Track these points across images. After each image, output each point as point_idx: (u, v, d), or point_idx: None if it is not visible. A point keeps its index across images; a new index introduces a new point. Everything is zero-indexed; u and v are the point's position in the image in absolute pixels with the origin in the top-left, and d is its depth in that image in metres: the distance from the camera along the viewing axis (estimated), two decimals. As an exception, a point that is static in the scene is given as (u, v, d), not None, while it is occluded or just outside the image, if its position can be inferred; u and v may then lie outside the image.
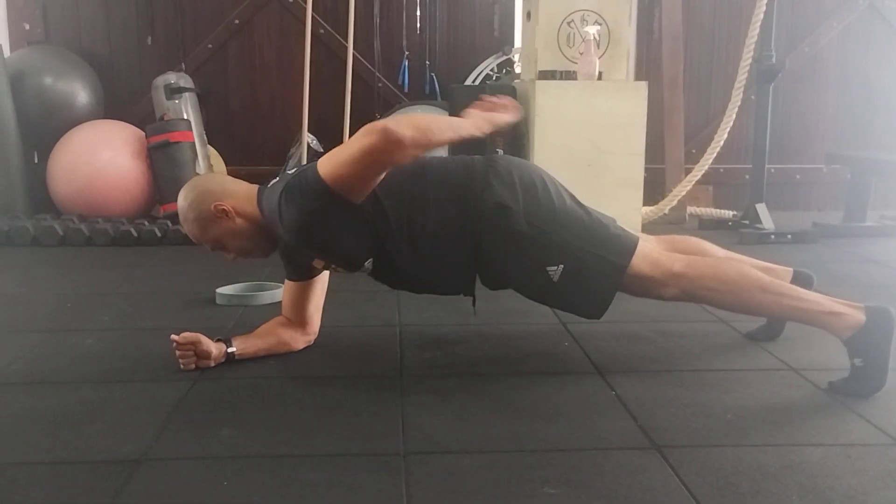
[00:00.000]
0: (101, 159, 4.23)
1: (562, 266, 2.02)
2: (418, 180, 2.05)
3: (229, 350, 2.17)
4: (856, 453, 1.63)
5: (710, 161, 4.49)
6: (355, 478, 1.53)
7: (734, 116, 4.41)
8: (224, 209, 2.04)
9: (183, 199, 2.08)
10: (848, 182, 4.42)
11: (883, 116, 5.23)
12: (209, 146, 4.64)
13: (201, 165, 4.44)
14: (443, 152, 4.37)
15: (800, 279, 2.26)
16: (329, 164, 1.92)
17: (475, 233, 2.04)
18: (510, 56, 4.97)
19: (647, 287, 2.06)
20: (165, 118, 4.43)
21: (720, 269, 2.06)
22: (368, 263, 2.08)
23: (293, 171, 2.08)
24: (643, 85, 3.96)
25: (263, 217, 2.05)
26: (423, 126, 1.88)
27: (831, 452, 1.63)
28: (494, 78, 4.92)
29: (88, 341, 2.43)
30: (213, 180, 2.23)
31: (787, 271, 2.29)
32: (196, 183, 2.15)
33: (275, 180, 2.09)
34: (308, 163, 4.33)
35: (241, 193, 2.09)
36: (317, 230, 1.97)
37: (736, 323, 2.49)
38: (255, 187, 2.12)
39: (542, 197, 2.07)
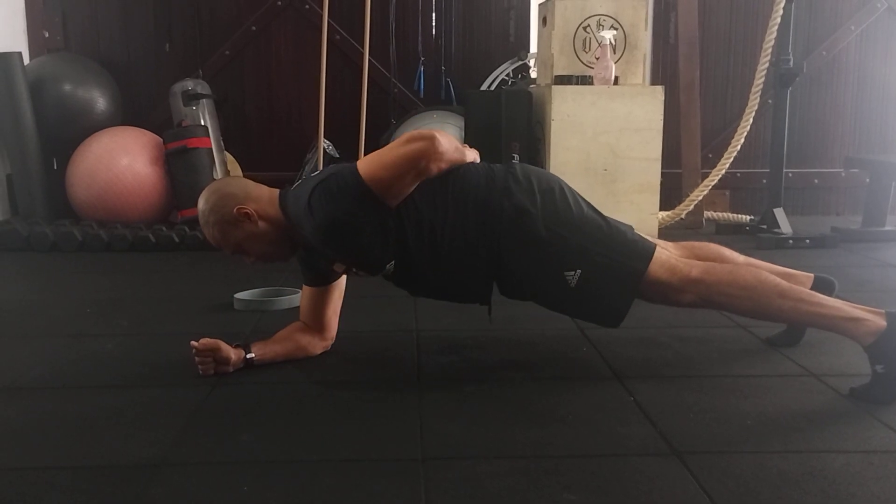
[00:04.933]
0: (120, 165, 4.26)
1: (579, 271, 2.02)
2: (440, 185, 2.05)
3: (248, 356, 2.17)
4: (878, 460, 1.61)
5: (728, 165, 4.47)
6: (374, 483, 1.54)
7: (751, 121, 4.39)
8: (246, 212, 2.05)
9: (204, 203, 2.08)
10: (867, 186, 4.39)
11: (902, 120, 5.19)
12: (226, 152, 4.67)
13: (218, 171, 4.46)
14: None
15: (821, 285, 2.24)
16: (370, 166, 1.96)
17: (494, 237, 2.04)
18: (526, 61, 4.97)
19: (665, 293, 2.05)
20: (183, 124, 4.45)
21: (738, 274, 2.04)
22: (390, 266, 2.08)
23: (317, 172, 2.09)
24: (659, 89, 3.95)
25: (287, 219, 2.06)
26: (457, 145, 2.06)
27: (853, 459, 1.62)
28: (510, 83, 4.92)
29: (108, 346, 2.44)
30: (234, 183, 2.23)
31: (808, 277, 2.28)
32: (217, 186, 2.16)
33: (297, 183, 2.10)
34: (325, 167, 4.38)
35: (263, 197, 2.10)
36: (349, 231, 1.97)
37: (755, 328, 2.48)
38: (276, 191, 2.13)
39: (560, 202, 2.07)
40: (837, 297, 2.14)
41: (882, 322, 1.90)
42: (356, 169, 1.96)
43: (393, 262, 2.06)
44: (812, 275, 2.29)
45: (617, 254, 2.03)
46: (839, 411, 1.89)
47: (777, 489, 1.49)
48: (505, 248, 2.04)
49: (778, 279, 2.03)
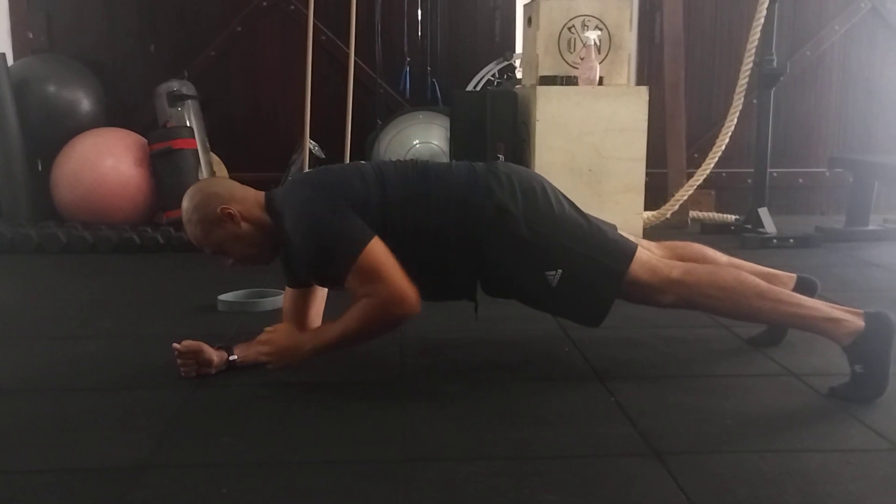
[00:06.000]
0: (105, 167, 4.24)
1: (560, 271, 2.03)
2: (421, 184, 2.06)
3: (230, 358, 2.17)
4: (856, 459, 1.63)
5: (713, 165, 4.48)
6: (355, 485, 1.54)
7: (736, 121, 4.41)
8: (230, 213, 2.05)
9: (188, 201, 2.08)
10: (851, 186, 4.41)
11: (885, 120, 5.21)
12: (212, 153, 4.65)
13: (204, 172, 4.45)
14: (445, 158, 4.39)
15: (804, 285, 2.26)
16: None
17: (475, 237, 2.04)
18: (511, 61, 4.98)
19: (646, 294, 2.06)
20: (168, 125, 4.44)
21: (718, 275, 2.06)
22: None
23: (307, 172, 2.10)
24: (644, 90, 3.96)
25: (274, 221, 2.06)
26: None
27: (831, 458, 1.63)
28: (496, 84, 4.93)
29: (91, 348, 2.43)
30: (219, 184, 2.24)
31: (791, 277, 2.29)
32: (202, 185, 2.16)
33: (285, 185, 2.10)
34: (310, 170, 4.37)
35: (248, 198, 2.10)
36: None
37: (737, 328, 2.49)
38: (262, 193, 2.13)
39: (542, 202, 2.08)
40: (820, 296, 2.16)
41: (860, 322, 1.92)
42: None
43: None
44: (795, 275, 2.30)
45: (598, 253, 2.04)
46: (819, 411, 1.90)
47: (755, 488, 1.50)
48: (487, 248, 2.05)
49: (758, 280, 2.05)
